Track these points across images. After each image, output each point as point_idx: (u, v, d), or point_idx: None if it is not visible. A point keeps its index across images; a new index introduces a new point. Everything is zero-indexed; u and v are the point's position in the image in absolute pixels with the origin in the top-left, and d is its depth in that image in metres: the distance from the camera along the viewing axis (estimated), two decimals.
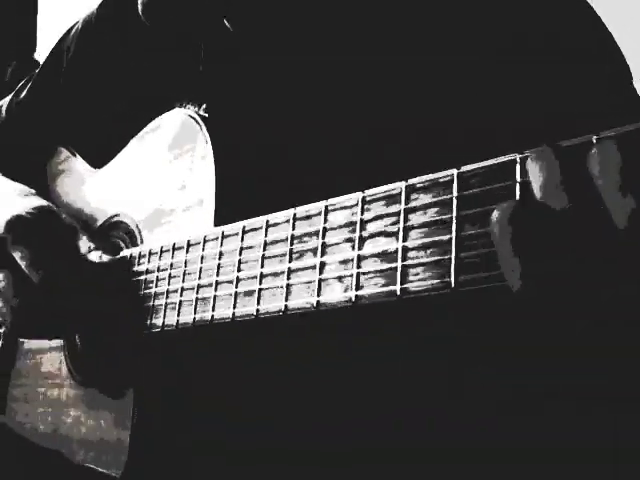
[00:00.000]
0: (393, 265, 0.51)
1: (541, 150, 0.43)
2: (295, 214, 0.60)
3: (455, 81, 0.75)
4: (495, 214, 0.43)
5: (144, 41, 0.99)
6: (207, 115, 0.83)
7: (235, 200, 0.75)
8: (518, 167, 0.45)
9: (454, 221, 0.48)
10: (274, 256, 0.61)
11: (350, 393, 0.77)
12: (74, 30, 1.11)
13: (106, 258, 0.82)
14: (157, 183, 0.84)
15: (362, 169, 0.71)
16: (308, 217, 0.59)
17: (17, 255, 0.79)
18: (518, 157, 0.45)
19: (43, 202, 0.91)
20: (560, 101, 0.72)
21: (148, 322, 0.76)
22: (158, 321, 0.75)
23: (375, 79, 0.79)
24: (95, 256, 0.83)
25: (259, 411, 0.80)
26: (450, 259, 0.47)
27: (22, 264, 0.79)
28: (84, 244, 0.85)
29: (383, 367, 0.76)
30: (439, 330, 0.72)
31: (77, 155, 1.07)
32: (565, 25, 0.77)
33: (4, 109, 1.18)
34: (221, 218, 0.72)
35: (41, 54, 2.02)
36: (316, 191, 0.61)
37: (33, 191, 1.00)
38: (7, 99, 1.19)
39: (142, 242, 0.84)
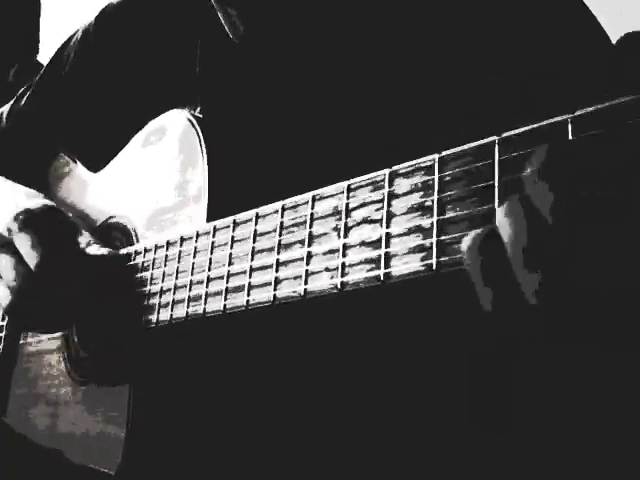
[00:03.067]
0: (377, 250, 0.51)
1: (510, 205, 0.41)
2: (284, 205, 0.61)
3: (452, 81, 0.75)
4: (466, 241, 0.43)
5: (142, 47, 1.01)
6: (201, 116, 0.84)
7: (227, 200, 0.75)
8: (497, 148, 0.45)
9: (435, 204, 0.48)
10: (263, 248, 0.62)
11: (351, 390, 0.78)
12: (74, 38, 1.13)
13: (105, 250, 0.84)
14: (152, 184, 0.85)
15: (356, 168, 0.72)
16: (295, 207, 0.60)
17: (18, 241, 0.80)
18: (496, 139, 0.46)
19: (51, 203, 0.92)
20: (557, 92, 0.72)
21: (143, 318, 0.77)
22: (153, 317, 0.75)
23: (371, 79, 0.80)
24: (94, 249, 0.84)
25: (258, 407, 0.80)
26: (432, 242, 0.47)
27: (21, 250, 0.80)
28: (84, 239, 0.87)
29: (384, 364, 0.77)
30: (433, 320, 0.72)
31: (76, 160, 1.08)
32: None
33: (5, 116, 1.20)
34: (214, 218, 0.73)
35: (44, 56, 2.04)
36: (309, 190, 0.62)
37: (41, 195, 1.02)
38: (8, 106, 1.21)
39: (138, 242, 0.85)
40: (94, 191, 1.00)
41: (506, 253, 0.40)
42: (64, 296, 0.80)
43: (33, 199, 0.95)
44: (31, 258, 0.78)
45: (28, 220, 0.82)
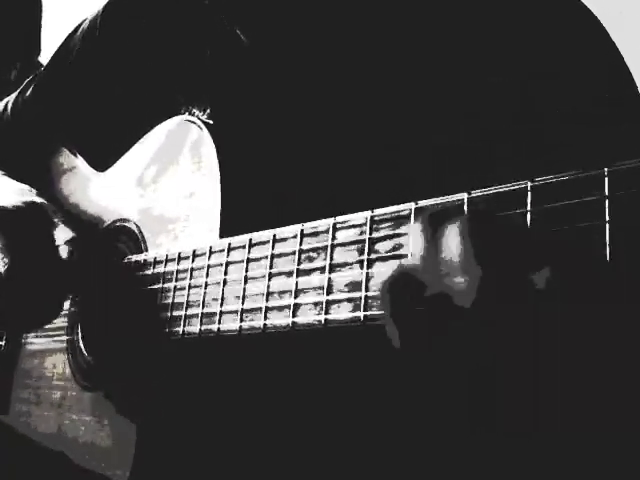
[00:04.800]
0: None
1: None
2: (303, 230, 0.61)
3: (460, 91, 0.75)
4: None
5: (149, 44, 0.99)
6: (211, 122, 0.83)
7: (240, 208, 0.75)
8: (529, 195, 0.45)
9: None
10: (281, 272, 0.62)
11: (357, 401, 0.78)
12: (80, 30, 1.11)
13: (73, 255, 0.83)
14: (161, 190, 0.84)
15: (370, 179, 0.72)
16: (316, 234, 0.59)
17: None
18: (529, 184, 0.45)
19: (37, 199, 0.91)
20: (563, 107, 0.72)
21: (154, 329, 0.76)
22: (164, 329, 0.75)
23: (385, 87, 0.79)
24: (64, 251, 0.84)
25: (264, 417, 0.80)
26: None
27: None
28: (62, 236, 0.86)
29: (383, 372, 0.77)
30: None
31: (78, 155, 1.07)
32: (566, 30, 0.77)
33: (9, 107, 1.18)
34: (226, 227, 0.73)
35: (45, 56, 2.01)
36: (323, 200, 0.61)
37: (34, 191, 1.00)
38: (12, 97, 1.19)
39: (146, 249, 0.84)
40: (101, 191, 0.99)
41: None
42: (33, 297, 0.80)
43: (17, 196, 0.94)
44: (0, 262, 0.78)
45: (1, 222, 0.82)
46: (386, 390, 0.76)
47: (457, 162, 0.68)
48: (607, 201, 0.41)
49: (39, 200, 0.91)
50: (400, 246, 0.52)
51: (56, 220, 0.88)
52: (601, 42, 0.77)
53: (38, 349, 1.01)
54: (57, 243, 0.85)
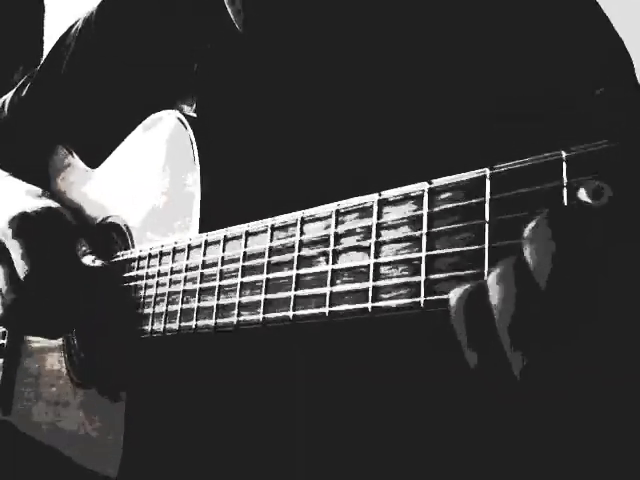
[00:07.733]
0: (365, 281, 0.49)
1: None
2: (273, 225, 0.59)
3: (454, 84, 0.73)
4: (453, 297, 0.40)
5: (141, 41, 0.99)
6: (195, 115, 0.82)
7: (220, 206, 0.74)
8: (488, 182, 0.43)
9: (424, 238, 0.46)
10: (252, 267, 0.60)
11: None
12: (74, 29, 1.10)
13: (98, 262, 0.82)
14: (147, 185, 0.84)
15: (352, 178, 0.70)
16: (285, 228, 0.58)
17: (11, 249, 0.80)
18: (488, 172, 0.43)
19: (53, 203, 0.91)
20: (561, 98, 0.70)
21: (138, 326, 0.76)
22: (147, 326, 0.74)
23: (369, 84, 0.77)
24: (89, 259, 0.83)
25: (255, 411, 0.80)
26: (420, 278, 0.45)
27: (13, 257, 0.79)
28: (82, 247, 0.85)
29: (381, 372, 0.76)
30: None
31: (74, 154, 1.07)
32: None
33: (6, 106, 1.18)
34: (206, 222, 0.72)
35: None
36: (303, 195, 0.60)
37: (47, 193, 1.00)
38: (9, 95, 1.19)
39: (133, 245, 0.83)
40: (92, 188, 0.99)
41: (493, 318, 0.38)
42: (54, 306, 0.79)
43: (32, 198, 0.94)
44: (21, 268, 0.78)
45: (22, 226, 0.81)
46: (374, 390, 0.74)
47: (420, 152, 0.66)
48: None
49: (54, 205, 0.90)
50: (365, 239, 0.50)
51: (75, 226, 0.88)
52: (602, 30, 0.75)
53: (37, 348, 1.01)
54: (80, 251, 0.84)
